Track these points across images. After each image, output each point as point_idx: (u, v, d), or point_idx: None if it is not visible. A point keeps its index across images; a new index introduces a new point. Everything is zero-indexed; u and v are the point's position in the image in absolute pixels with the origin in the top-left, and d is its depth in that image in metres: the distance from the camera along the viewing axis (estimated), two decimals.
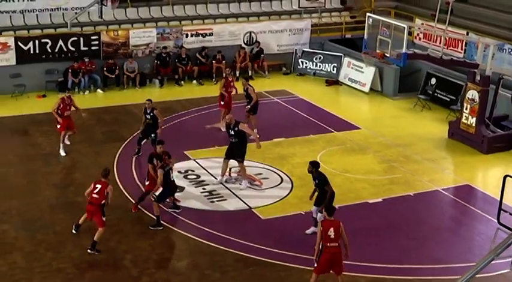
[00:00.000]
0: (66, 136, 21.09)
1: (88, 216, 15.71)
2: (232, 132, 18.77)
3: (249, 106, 21.95)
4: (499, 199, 12.86)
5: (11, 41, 25.76)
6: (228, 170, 19.31)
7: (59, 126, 20.73)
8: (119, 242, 15.97)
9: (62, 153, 20.76)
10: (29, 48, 25.96)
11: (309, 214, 16.98)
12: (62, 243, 15.83)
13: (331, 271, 13.71)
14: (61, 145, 20.78)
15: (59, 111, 20.54)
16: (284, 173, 19.78)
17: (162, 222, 16.60)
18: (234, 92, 22.95)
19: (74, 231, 16.09)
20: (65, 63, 26.18)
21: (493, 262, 12.18)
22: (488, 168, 21.25)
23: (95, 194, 15.47)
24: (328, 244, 13.44)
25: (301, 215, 17.47)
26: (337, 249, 13.50)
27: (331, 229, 13.45)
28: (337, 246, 13.47)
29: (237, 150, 18.88)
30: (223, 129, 19.89)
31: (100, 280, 14.56)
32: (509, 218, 12.22)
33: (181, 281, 14.65)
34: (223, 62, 28.12)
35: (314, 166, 16.17)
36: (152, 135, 20.14)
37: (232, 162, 19.20)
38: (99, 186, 15.49)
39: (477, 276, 12.40)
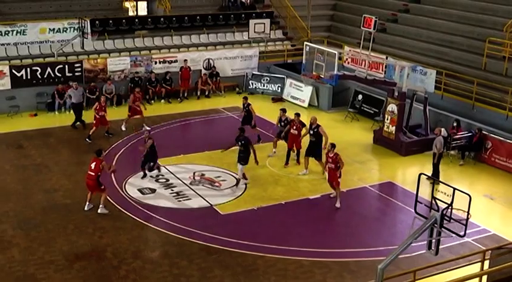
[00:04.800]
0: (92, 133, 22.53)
1: (89, 190, 16.72)
2: (311, 132, 19.66)
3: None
4: (415, 193, 13.01)
5: (6, 69, 25.23)
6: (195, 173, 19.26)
7: (94, 122, 22.44)
8: (100, 236, 15.74)
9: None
10: (22, 74, 25.40)
11: (260, 209, 17.05)
12: (53, 239, 15.54)
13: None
14: (89, 133, 22.42)
15: (95, 111, 22.34)
16: None
17: None
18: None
19: (86, 206, 16.85)
20: (52, 87, 25.67)
21: (412, 245, 12.28)
22: (406, 167, 21.43)
23: (90, 171, 16.48)
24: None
25: (253, 210, 17.45)
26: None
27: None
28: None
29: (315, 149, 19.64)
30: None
31: (86, 269, 14.32)
32: (424, 208, 12.36)
33: (154, 268, 14.50)
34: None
35: (240, 130, 18.92)
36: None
37: (197, 167, 19.00)
38: (93, 163, 16.38)
39: (399, 256, 12.50)
